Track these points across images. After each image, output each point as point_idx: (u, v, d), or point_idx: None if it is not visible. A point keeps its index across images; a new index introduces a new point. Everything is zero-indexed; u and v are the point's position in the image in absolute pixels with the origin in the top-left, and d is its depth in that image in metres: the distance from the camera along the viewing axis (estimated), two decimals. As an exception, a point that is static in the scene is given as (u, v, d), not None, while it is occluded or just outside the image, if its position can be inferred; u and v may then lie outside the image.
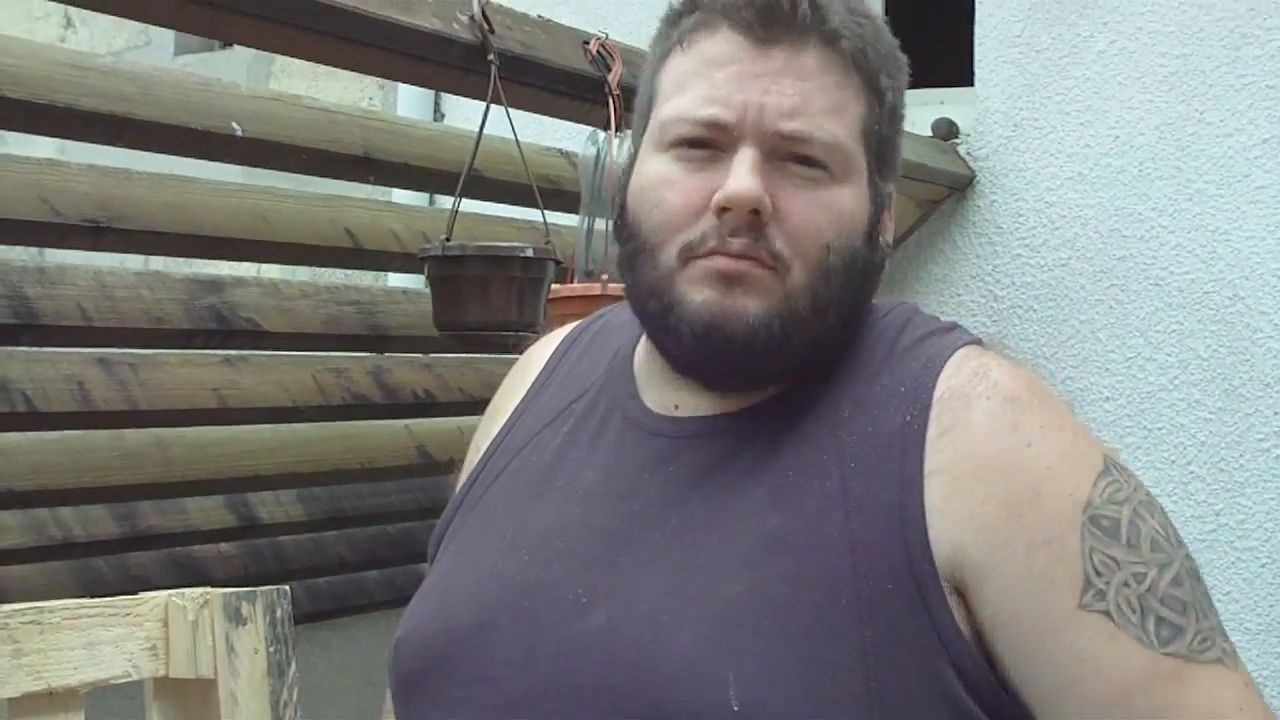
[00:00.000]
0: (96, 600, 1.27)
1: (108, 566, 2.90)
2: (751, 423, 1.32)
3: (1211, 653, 1.20)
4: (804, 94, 1.28)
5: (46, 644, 1.22)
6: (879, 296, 1.40)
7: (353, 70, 2.29)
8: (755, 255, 1.27)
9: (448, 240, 2.09)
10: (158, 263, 3.56)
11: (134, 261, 3.41)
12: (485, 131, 2.10)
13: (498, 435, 1.49)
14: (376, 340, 2.72)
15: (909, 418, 1.26)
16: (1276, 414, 3.08)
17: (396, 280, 3.57)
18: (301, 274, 3.56)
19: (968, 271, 3.48)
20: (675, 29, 1.35)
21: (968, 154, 3.46)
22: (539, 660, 1.25)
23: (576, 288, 2.09)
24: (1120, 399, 3.26)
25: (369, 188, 2.91)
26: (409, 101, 4.11)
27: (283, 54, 2.23)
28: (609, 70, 2.22)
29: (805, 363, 1.31)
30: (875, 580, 1.20)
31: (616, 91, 2.19)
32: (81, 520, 2.73)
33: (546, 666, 1.25)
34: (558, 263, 2.11)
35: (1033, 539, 1.20)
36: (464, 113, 3.48)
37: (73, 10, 4.85)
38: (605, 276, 2.04)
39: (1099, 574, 1.19)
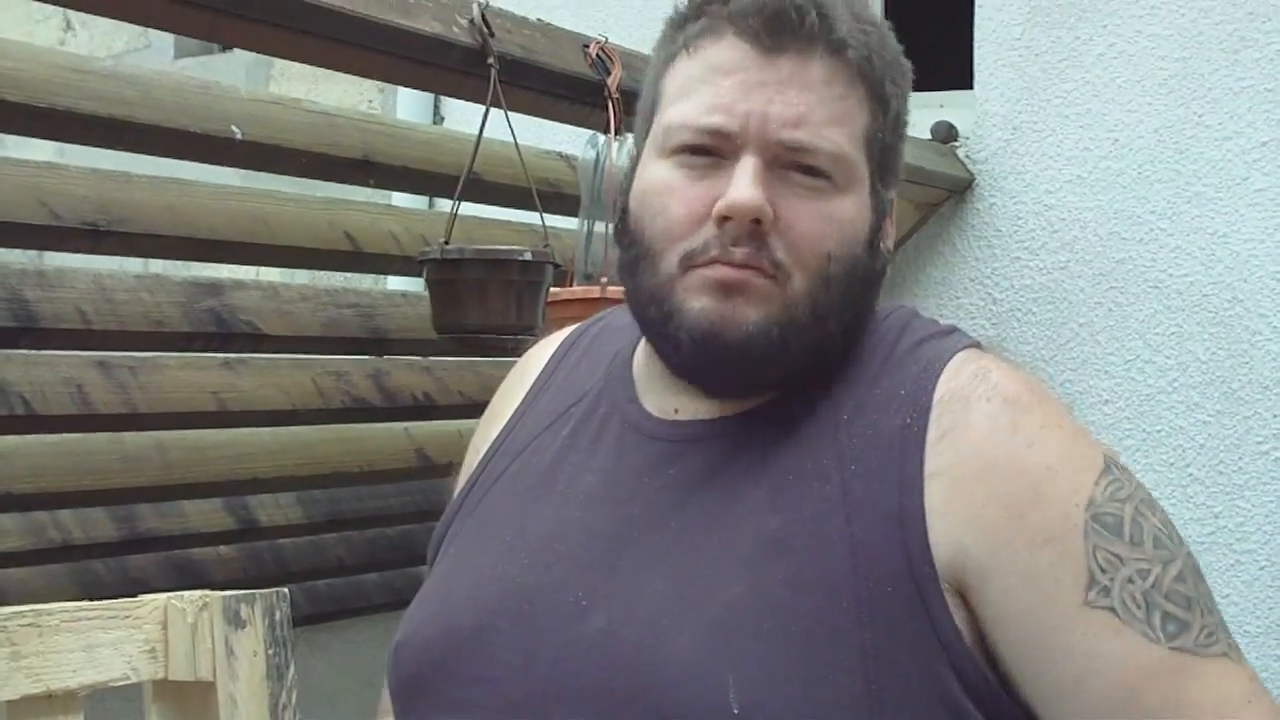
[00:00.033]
0: (95, 603, 1.28)
1: (107, 569, 2.90)
2: (751, 426, 1.32)
3: (1217, 647, 1.20)
4: (808, 104, 1.28)
5: (45, 646, 1.22)
6: (878, 300, 1.41)
7: (352, 74, 2.29)
8: (757, 264, 1.27)
9: (446, 243, 2.09)
10: (157, 266, 3.56)
11: (133, 264, 3.42)
12: (485, 135, 2.10)
13: (496, 438, 1.49)
14: (376, 343, 2.72)
15: (909, 421, 1.26)
16: (1275, 417, 3.08)
17: (396, 283, 3.57)
18: (301, 277, 3.56)
19: (966, 274, 3.47)
20: (681, 33, 1.35)
21: (967, 157, 3.46)
22: (539, 663, 1.25)
23: (576, 291, 2.09)
24: (1119, 402, 3.26)
25: (368, 191, 2.91)
26: (408, 105, 4.11)
27: (282, 57, 2.23)
28: (609, 74, 2.22)
29: (805, 370, 1.32)
30: (875, 583, 1.20)
31: (616, 95, 2.19)
32: (81, 523, 2.73)
33: (546, 669, 1.25)
34: (556, 266, 2.11)
35: (1035, 538, 1.21)
36: (463, 116, 3.48)
37: (72, 13, 4.86)
38: (605, 280, 2.04)
39: (1103, 571, 1.19)
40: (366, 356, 2.81)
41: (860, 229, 1.32)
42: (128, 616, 1.29)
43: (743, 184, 1.26)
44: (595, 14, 3.65)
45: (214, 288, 2.43)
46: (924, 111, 3.39)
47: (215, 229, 2.33)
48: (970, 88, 3.50)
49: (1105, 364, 3.29)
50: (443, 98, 4.05)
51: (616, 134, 2.15)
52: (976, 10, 3.49)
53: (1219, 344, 3.15)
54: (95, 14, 1.96)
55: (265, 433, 2.77)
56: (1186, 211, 3.20)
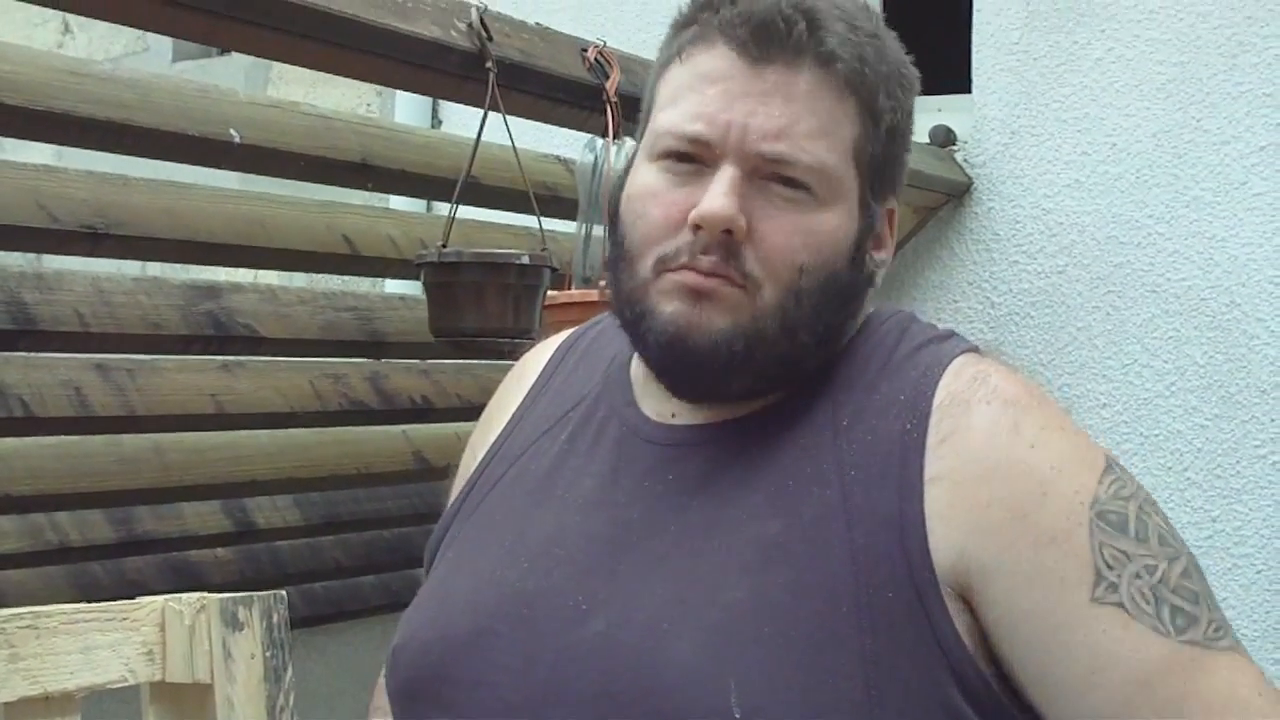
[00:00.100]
0: (93, 605, 1.28)
1: (104, 571, 2.90)
2: (750, 431, 1.32)
3: (1225, 641, 1.20)
4: (791, 115, 1.28)
5: (43, 649, 1.22)
6: (877, 304, 1.41)
7: (351, 77, 2.29)
8: (724, 273, 1.27)
9: (444, 246, 2.09)
10: (155, 268, 3.57)
11: (131, 267, 3.42)
12: (483, 138, 2.10)
13: (495, 442, 1.49)
14: (374, 346, 2.72)
15: (908, 425, 1.26)
16: (1273, 420, 3.09)
17: (394, 286, 3.57)
18: (299, 280, 3.56)
19: (965, 278, 3.48)
20: (676, 39, 1.35)
21: (965, 161, 3.47)
22: (538, 667, 1.25)
23: (574, 294, 2.09)
24: (1117, 405, 3.26)
25: (366, 194, 2.91)
26: (406, 108, 4.11)
27: (281, 61, 2.23)
28: (607, 78, 2.22)
29: (773, 380, 1.32)
30: (875, 588, 1.20)
31: (614, 99, 2.19)
32: (78, 525, 2.73)
33: (546, 673, 1.25)
34: (554, 269, 2.11)
35: (1040, 537, 1.21)
36: (462, 120, 3.48)
37: (70, 16, 4.86)
38: (602, 283, 2.04)
39: (1110, 567, 1.19)
40: (364, 359, 2.81)
41: (841, 242, 1.31)
42: (125, 619, 1.29)
43: (716, 194, 1.27)
44: (593, 18, 3.66)
45: (212, 290, 2.43)
46: (922, 115, 3.37)
47: (213, 232, 2.33)
48: (968, 92, 3.50)
49: (1103, 368, 3.29)
50: (441, 101, 4.05)
51: (614, 138, 2.15)
52: (975, 14, 3.49)
53: (1217, 348, 3.15)
54: (94, 17, 1.96)
55: (263, 435, 2.77)
56: (1184, 216, 3.20)
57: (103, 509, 2.75)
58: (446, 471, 1.58)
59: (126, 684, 1.29)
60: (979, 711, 1.21)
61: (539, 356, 1.56)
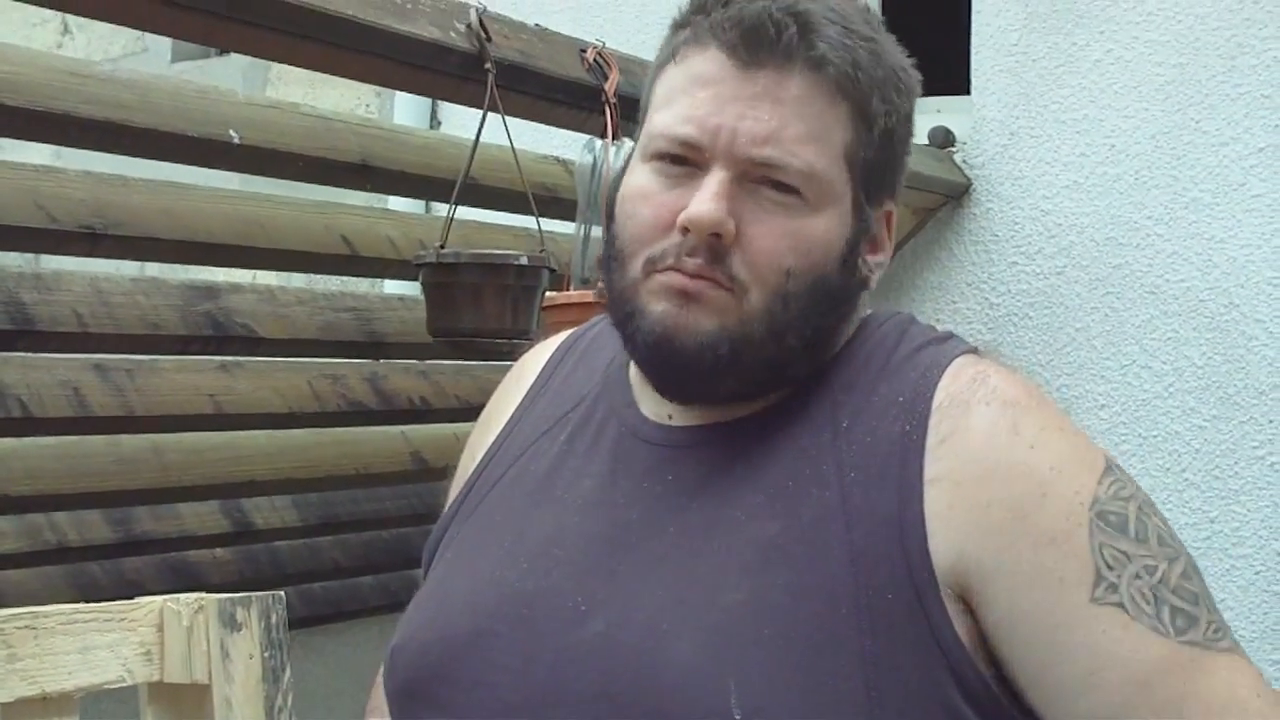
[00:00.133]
0: (91, 605, 1.28)
1: (103, 571, 2.90)
2: (749, 431, 1.32)
3: (1225, 642, 1.21)
4: (780, 120, 1.28)
5: (41, 649, 1.22)
6: (875, 305, 1.41)
7: (350, 78, 2.29)
8: (710, 276, 1.28)
9: (442, 247, 2.09)
10: (154, 269, 3.56)
11: (130, 268, 3.42)
12: (482, 139, 2.10)
13: (493, 443, 1.49)
14: (372, 347, 2.72)
15: (908, 427, 1.26)
16: (1271, 422, 3.09)
17: (393, 287, 3.57)
18: (297, 280, 3.56)
19: (963, 279, 3.48)
20: (672, 40, 1.35)
21: (964, 162, 3.47)
22: (538, 667, 1.25)
23: (573, 295, 2.09)
24: (1115, 406, 3.26)
25: (365, 195, 2.91)
26: (406, 109, 4.12)
27: (280, 62, 2.22)
28: (605, 79, 2.22)
29: (761, 383, 1.32)
30: (875, 590, 1.20)
31: (613, 100, 2.19)
32: (77, 525, 2.73)
33: (545, 674, 1.25)
34: (552, 270, 2.11)
35: (1040, 538, 1.21)
36: (460, 120, 3.48)
37: (69, 17, 4.86)
38: (599, 283, 2.04)
39: (1110, 568, 1.20)
40: (363, 360, 2.81)
41: (831, 246, 1.31)
42: (123, 619, 1.29)
43: (704, 198, 1.27)
44: (592, 19, 3.66)
45: (210, 291, 2.43)
46: (921, 117, 3.35)
47: (212, 232, 2.33)
48: (967, 93, 3.50)
49: (1101, 369, 3.29)
50: (440, 102, 4.05)
51: (613, 139, 2.15)
52: (974, 16, 3.49)
53: (1215, 349, 3.15)
54: (93, 18, 1.96)
55: (261, 435, 2.77)
56: (1183, 217, 3.21)
57: (101, 509, 2.74)
58: (445, 472, 1.58)
59: (124, 684, 1.29)
60: (979, 712, 1.21)
61: (538, 357, 1.56)
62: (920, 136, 3.41)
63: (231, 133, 2.19)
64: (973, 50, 3.49)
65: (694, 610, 1.22)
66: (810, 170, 1.29)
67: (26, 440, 2.44)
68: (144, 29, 2.11)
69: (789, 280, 1.28)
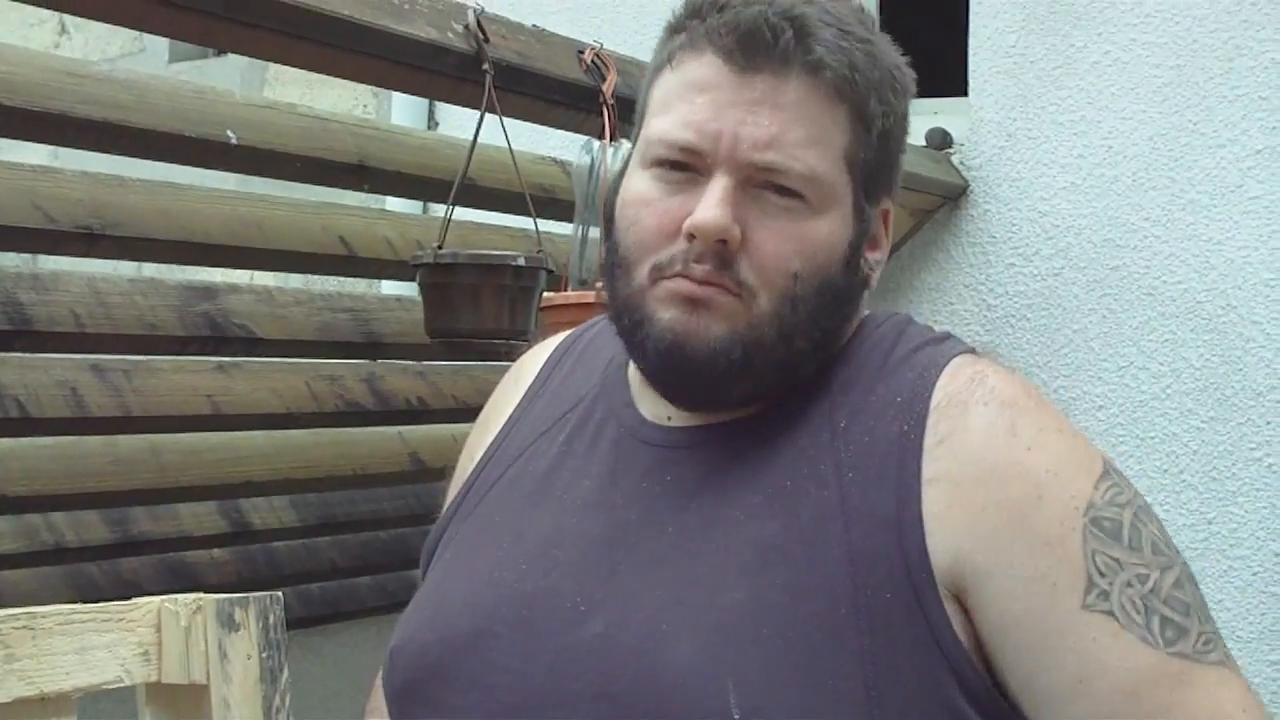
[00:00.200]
0: (89, 605, 1.27)
1: (100, 572, 2.89)
2: (748, 432, 1.33)
3: (1214, 655, 1.21)
4: (781, 124, 1.28)
5: (39, 649, 1.22)
6: (873, 307, 1.41)
7: (347, 79, 2.29)
8: (719, 282, 1.28)
9: (440, 248, 2.09)
10: (151, 269, 3.56)
11: (127, 268, 3.42)
12: (480, 140, 2.10)
13: (491, 444, 1.49)
14: (370, 347, 2.72)
15: (906, 427, 1.26)
16: (1268, 423, 3.09)
17: (390, 288, 3.57)
18: (295, 281, 3.56)
19: (961, 281, 3.48)
20: (667, 45, 1.35)
21: (961, 164, 3.47)
22: (537, 668, 1.25)
23: (570, 296, 2.10)
24: (1113, 408, 3.26)
25: (363, 195, 2.91)
26: (403, 110, 4.11)
27: (277, 62, 2.22)
28: (603, 80, 2.22)
29: (770, 386, 1.32)
30: (874, 589, 1.21)
31: (610, 101, 2.19)
32: (74, 525, 2.73)
33: (544, 674, 1.25)
34: (550, 271, 2.11)
35: (1034, 541, 1.21)
36: (458, 121, 3.48)
37: (67, 17, 4.85)
38: (599, 285, 2.04)
39: (1102, 575, 1.20)
40: (360, 361, 2.81)
41: (835, 248, 1.32)
42: (121, 619, 1.29)
43: (709, 204, 1.27)
44: (590, 20, 3.66)
45: (208, 292, 2.43)
46: (919, 118, 3.36)
47: (209, 233, 2.32)
48: (965, 94, 3.51)
49: (1099, 370, 3.29)
50: (437, 103, 4.05)
51: (611, 139, 2.15)
52: (971, 17, 3.49)
53: (1212, 350, 3.15)
54: (90, 18, 1.96)
55: (259, 436, 2.77)
56: (1181, 219, 3.21)
57: (99, 509, 2.74)
58: (442, 472, 1.59)
59: (122, 684, 1.29)
60: (979, 710, 1.21)
61: (536, 358, 1.57)
62: (918, 138, 3.41)
63: (229, 133, 2.19)
64: (970, 52, 3.49)
65: (693, 610, 1.22)
66: (812, 173, 1.29)
67: (24, 440, 2.44)
68: (141, 29, 2.11)
69: (796, 283, 1.29)
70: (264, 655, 1.35)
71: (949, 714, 1.20)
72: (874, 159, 1.34)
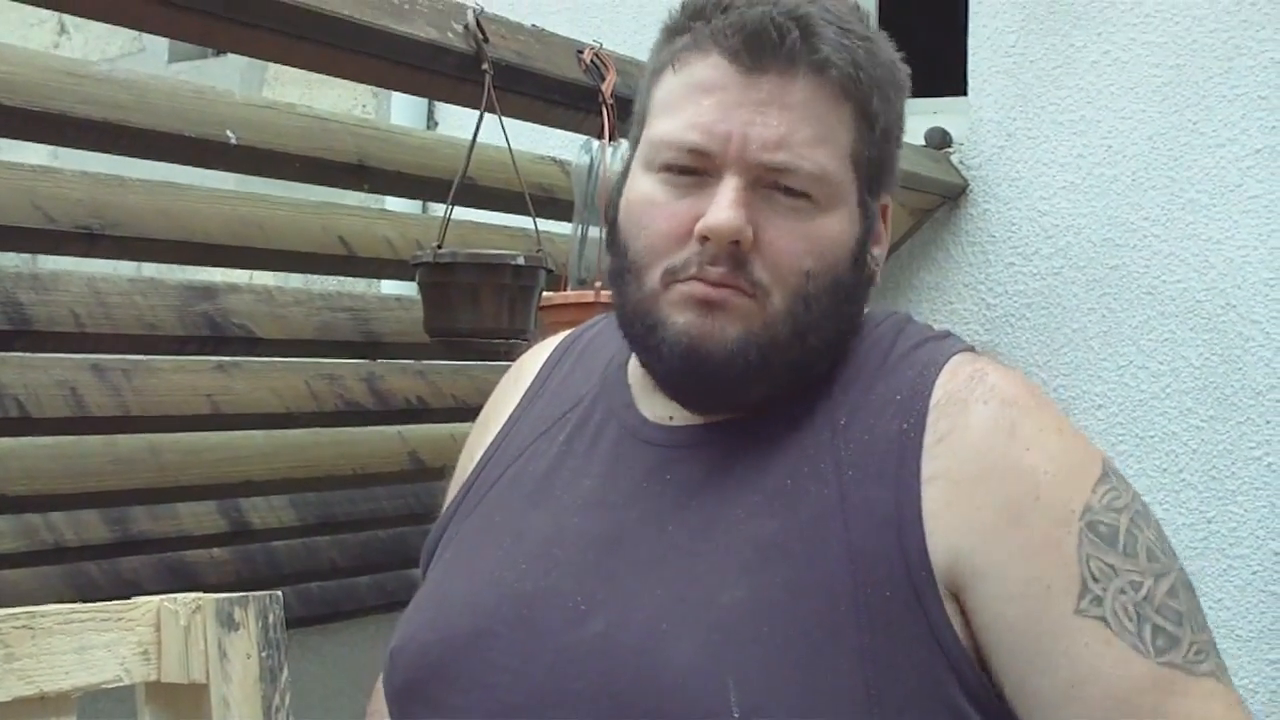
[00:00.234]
0: (88, 605, 1.27)
1: (100, 571, 2.89)
2: (747, 432, 1.33)
3: (1205, 665, 1.20)
4: (789, 124, 1.28)
5: (38, 648, 1.22)
6: (873, 305, 1.41)
7: (347, 79, 2.29)
8: (734, 283, 1.28)
9: (439, 247, 2.09)
10: (151, 269, 3.56)
11: (127, 268, 3.42)
12: (479, 140, 2.10)
13: (491, 444, 1.49)
14: (369, 347, 2.72)
15: (906, 425, 1.26)
16: (1268, 422, 3.09)
17: (390, 287, 3.57)
18: (295, 281, 3.56)
19: (960, 280, 3.48)
20: (669, 46, 1.35)
21: (961, 163, 3.47)
22: (537, 668, 1.25)
23: (570, 295, 2.10)
24: (1112, 407, 3.26)
25: (362, 195, 2.91)
26: (402, 110, 4.11)
27: (277, 62, 2.22)
28: (603, 79, 2.22)
29: (787, 386, 1.32)
30: (873, 587, 1.21)
31: (610, 101, 2.19)
32: (74, 525, 2.73)
33: (545, 674, 1.25)
34: (549, 271, 2.11)
35: (1029, 543, 1.21)
36: (458, 121, 3.48)
37: (66, 17, 4.85)
38: (599, 284, 2.04)
39: (1096, 580, 1.20)
40: (360, 360, 2.81)
41: (843, 245, 1.32)
42: (121, 618, 1.29)
43: (722, 205, 1.27)
44: (589, 20, 3.66)
45: (208, 291, 2.43)
46: (918, 118, 3.39)
47: (209, 233, 2.32)
48: (964, 94, 3.50)
49: (1098, 369, 3.29)
50: (437, 103, 4.05)
51: (610, 139, 2.15)
52: (971, 17, 3.49)
53: (1212, 350, 3.15)
54: (90, 18, 1.96)
55: (258, 435, 2.77)
56: (1180, 218, 3.21)
57: (98, 509, 2.74)
58: (442, 472, 1.59)
59: (122, 684, 1.29)
60: (979, 709, 1.21)
61: (536, 358, 1.56)
62: (917, 137, 3.41)
63: (229, 133, 2.19)
64: (970, 51, 3.49)
65: (693, 610, 1.22)
66: (821, 173, 1.29)
67: (24, 440, 2.44)
68: (141, 29, 2.11)
69: (809, 282, 1.29)
70: (264, 655, 1.35)
71: (949, 712, 1.20)
72: (877, 156, 1.35)
